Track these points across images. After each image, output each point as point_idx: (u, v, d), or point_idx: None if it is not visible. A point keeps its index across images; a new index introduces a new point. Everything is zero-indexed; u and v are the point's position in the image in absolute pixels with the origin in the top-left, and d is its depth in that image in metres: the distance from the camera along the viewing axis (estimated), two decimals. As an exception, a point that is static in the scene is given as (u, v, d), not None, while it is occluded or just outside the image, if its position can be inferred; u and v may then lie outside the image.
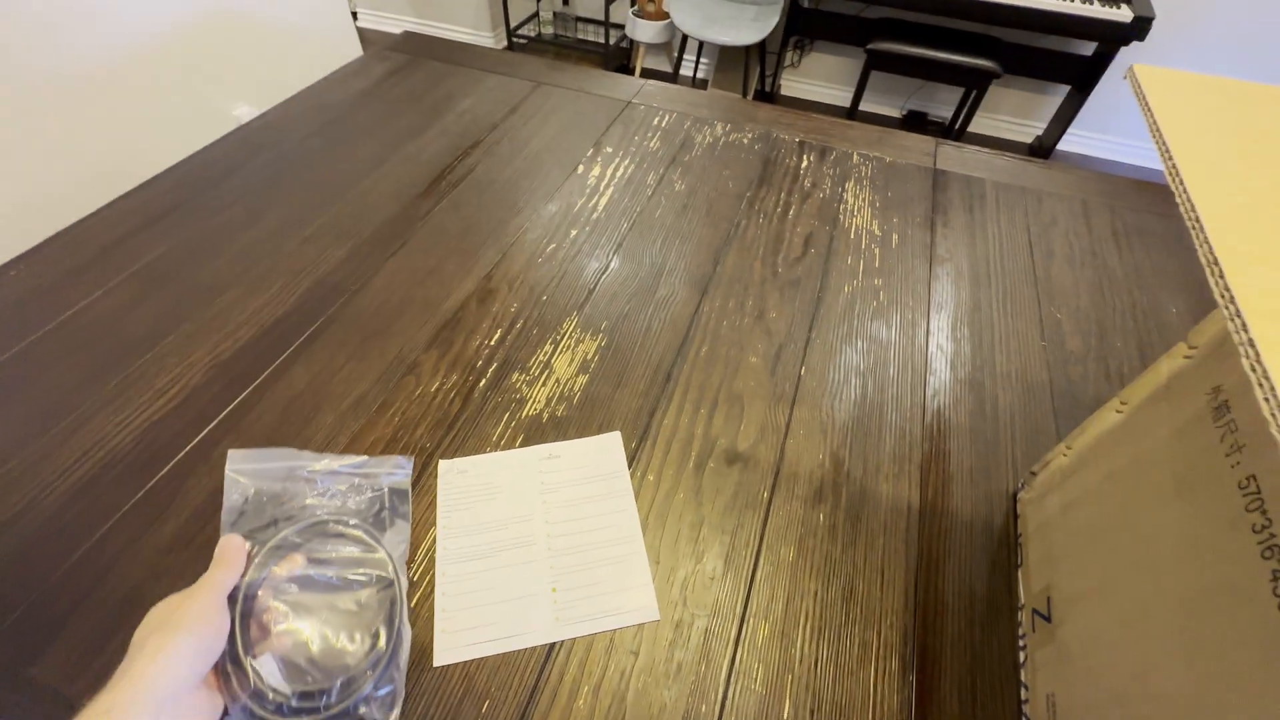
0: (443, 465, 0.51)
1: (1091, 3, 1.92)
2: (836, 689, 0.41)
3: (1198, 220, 0.19)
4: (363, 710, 0.35)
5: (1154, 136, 0.22)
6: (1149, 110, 0.23)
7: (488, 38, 2.88)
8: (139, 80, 1.41)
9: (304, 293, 0.65)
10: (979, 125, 2.56)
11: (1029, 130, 2.55)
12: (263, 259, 0.69)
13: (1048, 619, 0.40)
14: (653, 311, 0.65)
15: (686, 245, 0.74)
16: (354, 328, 0.62)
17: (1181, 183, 0.20)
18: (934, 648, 0.43)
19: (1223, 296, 0.16)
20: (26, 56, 1.20)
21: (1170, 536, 0.32)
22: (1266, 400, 0.14)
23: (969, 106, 2.31)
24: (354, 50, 1.96)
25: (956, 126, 2.41)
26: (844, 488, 0.52)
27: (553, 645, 0.42)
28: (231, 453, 0.46)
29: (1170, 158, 0.21)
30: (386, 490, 0.46)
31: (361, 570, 0.40)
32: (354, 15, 2.95)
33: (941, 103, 2.54)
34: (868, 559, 0.47)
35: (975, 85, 2.22)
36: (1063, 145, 2.45)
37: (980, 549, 0.49)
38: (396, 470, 0.48)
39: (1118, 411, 0.40)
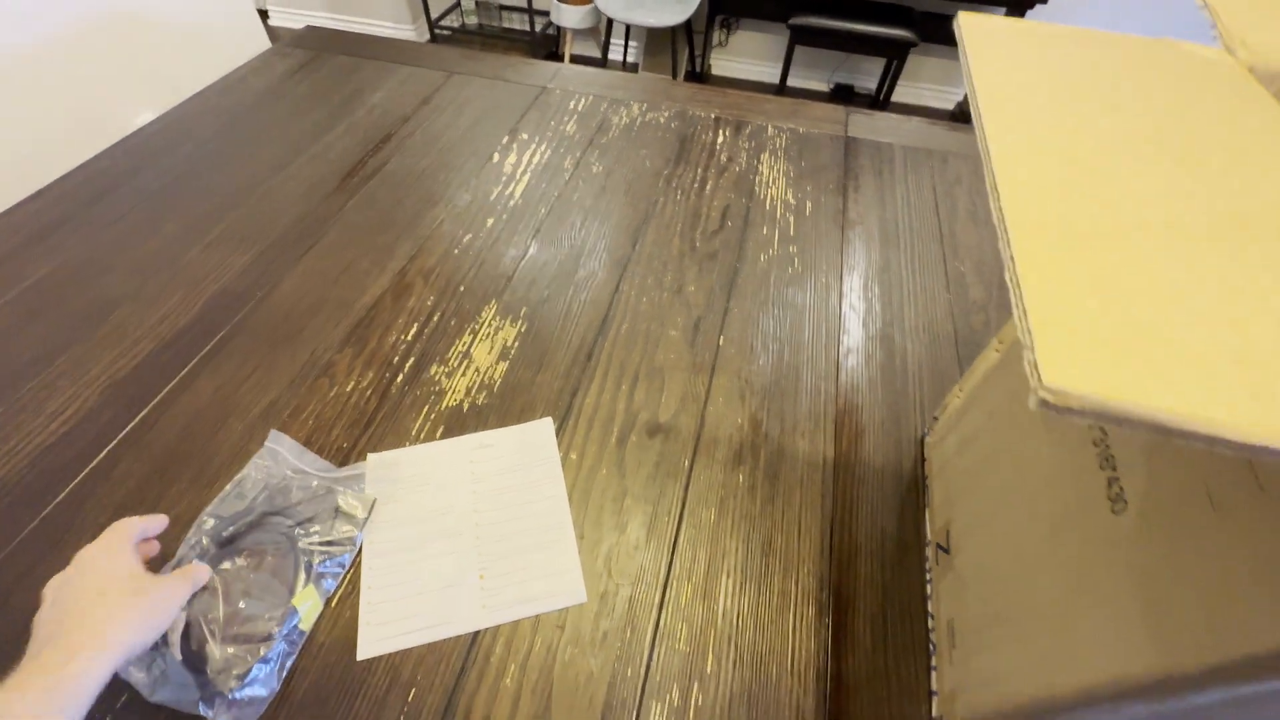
0: (372, 459, 0.50)
1: (996, -31, 1.99)
2: (757, 639, 0.43)
3: (988, 153, 0.20)
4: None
5: (965, 77, 0.23)
6: (964, 54, 0.24)
7: (409, 30, 2.79)
8: (34, 83, 1.31)
9: (206, 302, 0.62)
10: (903, 95, 2.63)
11: (950, 96, 2.64)
12: (161, 270, 0.66)
13: (947, 550, 0.43)
14: (572, 293, 0.65)
15: (605, 226, 0.74)
16: (262, 334, 0.60)
17: (980, 117, 0.22)
18: (848, 589, 0.45)
19: (1000, 222, 0.18)
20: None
21: (1039, 464, 0.34)
22: (1020, 320, 0.15)
23: (891, 77, 2.37)
24: (260, 46, 1.87)
25: (881, 97, 2.47)
26: (762, 448, 0.53)
27: (477, 631, 0.42)
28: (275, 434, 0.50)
29: (975, 96, 0.23)
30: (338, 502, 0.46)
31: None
32: (264, 14, 2.82)
33: (867, 74, 2.60)
34: (785, 513, 0.49)
35: (895, 55, 2.28)
36: (982, 109, 2.53)
37: (891, 494, 0.51)
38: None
39: (995, 351, 0.42)
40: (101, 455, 0.50)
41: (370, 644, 0.40)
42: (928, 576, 0.46)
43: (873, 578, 0.46)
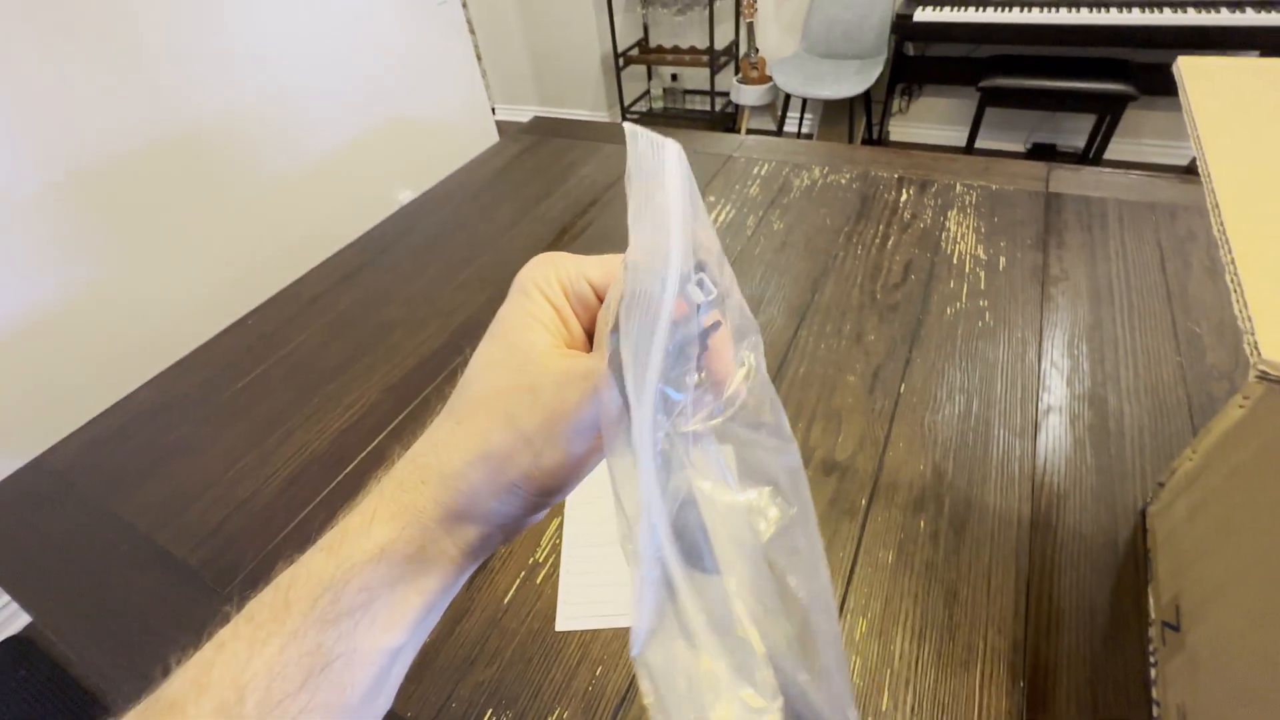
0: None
1: (1243, 10, 1.76)
2: (939, 688, 0.41)
3: (1214, 198, 0.21)
4: None
5: (1187, 120, 0.24)
6: (1185, 98, 0.25)
7: (604, 115, 3.18)
8: (334, 177, 1.75)
9: (455, 329, 0.77)
10: (1120, 152, 2.37)
11: (1183, 152, 2.32)
12: (423, 304, 0.83)
13: (1176, 628, 0.38)
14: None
15: (785, 278, 0.78)
16: (493, 356, 0.72)
17: (1205, 158, 0.22)
18: (1048, 658, 0.42)
19: (1232, 280, 0.19)
20: (266, 161, 1.54)
21: (1300, 526, 0.30)
22: (1240, 310, 0.16)
23: (1103, 133, 2.16)
24: (493, 139, 2.27)
25: (1091, 155, 2.25)
26: (946, 497, 0.52)
27: (658, 625, 0.46)
28: None
29: (1199, 141, 0.23)
30: None
31: None
32: (493, 110, 3.41)
33: (1072, 131, 2.40)
34: (972, 566, 0.47)
35: (1109, 111, 2.08)
36: (1227, 164, 2.18)
37: (1101, 564, 0.46)
38: None
39: (1240, 406, 0.38)
40: (378, 440, 0.64)
41: (567, 619, 0.46)
42: (1151, 659, 0.40)
43: (1078, 650, 0.42)
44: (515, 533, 0.21)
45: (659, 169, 0.17)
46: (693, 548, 0.17)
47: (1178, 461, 0.45)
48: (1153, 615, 0.42)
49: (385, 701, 0.19)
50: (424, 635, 0.20)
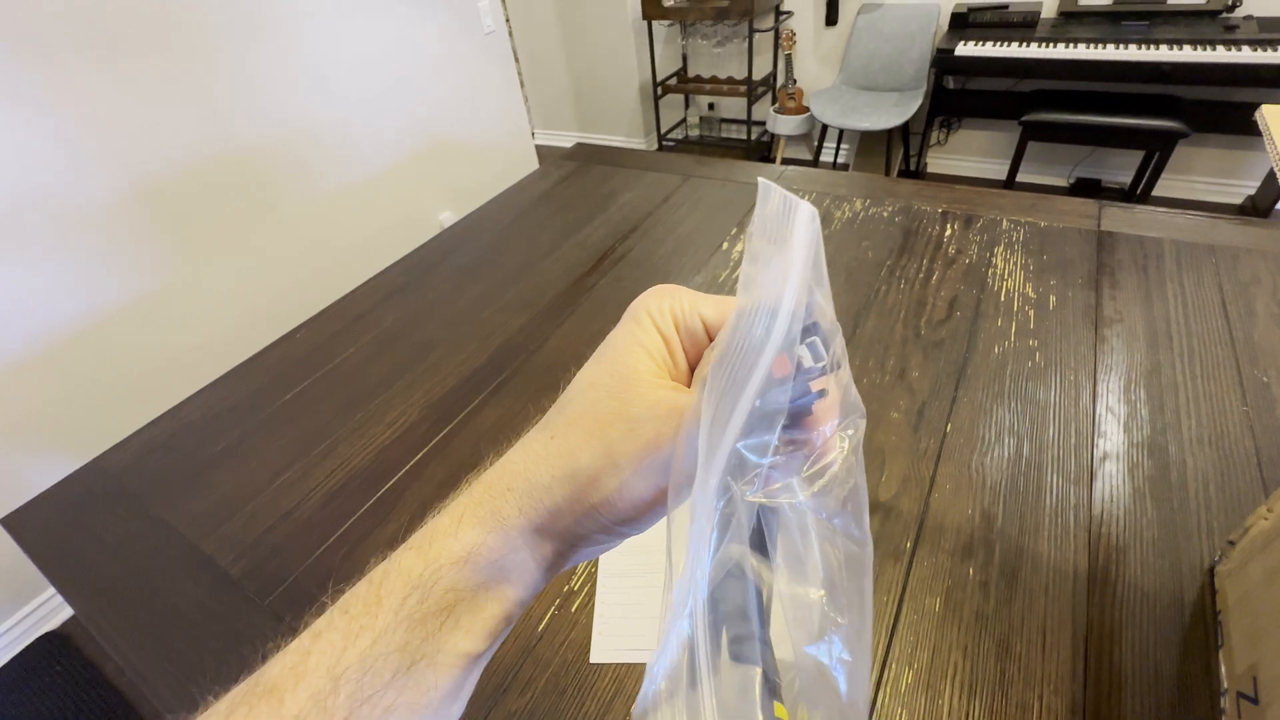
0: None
1: (1302, 49, 1.72)
2: (991, 748, 0.39)
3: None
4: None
5: (1275, 164, 0.23)
6: (1273, 144, 0.25)
7: (640, 142, 3.24)
8: (381, 196, 1.81)
9: (494, 351, 0.78)
10: (1169, 189, 2.30)
11: (1237, 190, 2.25)
12: (464, 324, 0.85)
13: (1254, 700, 0.35)
14: (792, 369, 0.69)
15: (825, 310, 0.77)
16: (532, 379, 0.73)
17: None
18: (1110, 724, 0.39)
19: None
20: (317, 180, 1.61)
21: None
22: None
23: (1152, 170, 2.11)
24: (532, 164, 2.32)
25: (1139, 192, 2.20)
26: (997, 544, 0.50)
27: (695, 663, 0.45)
28: None
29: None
30: None
31: None
32: (532, 134, 3.50)
33: (1118, 167, 2.35)
34: (1025, 620, 0.45)
35: (1158, 148, 2.04)
36: (1285, 204, 2.11)
37: (1168, 624, 0.44)
38: None
39: (1324, 466, 0.36)
40: (418, 457, 0.65)
41: (601, 651, 0.46)
42: (1225, 732, 0.38)
43: (1142, 716, 0.39)
44: (587, 558, 0.21)
45: (788, 227, 0.16)
46: (732, 615, 0.16)
47: (1251, 520, 0.43)
48: (1225, 684, 0.39)
49: (459, 708, 0.19)
50: (495, 647, 0.20)
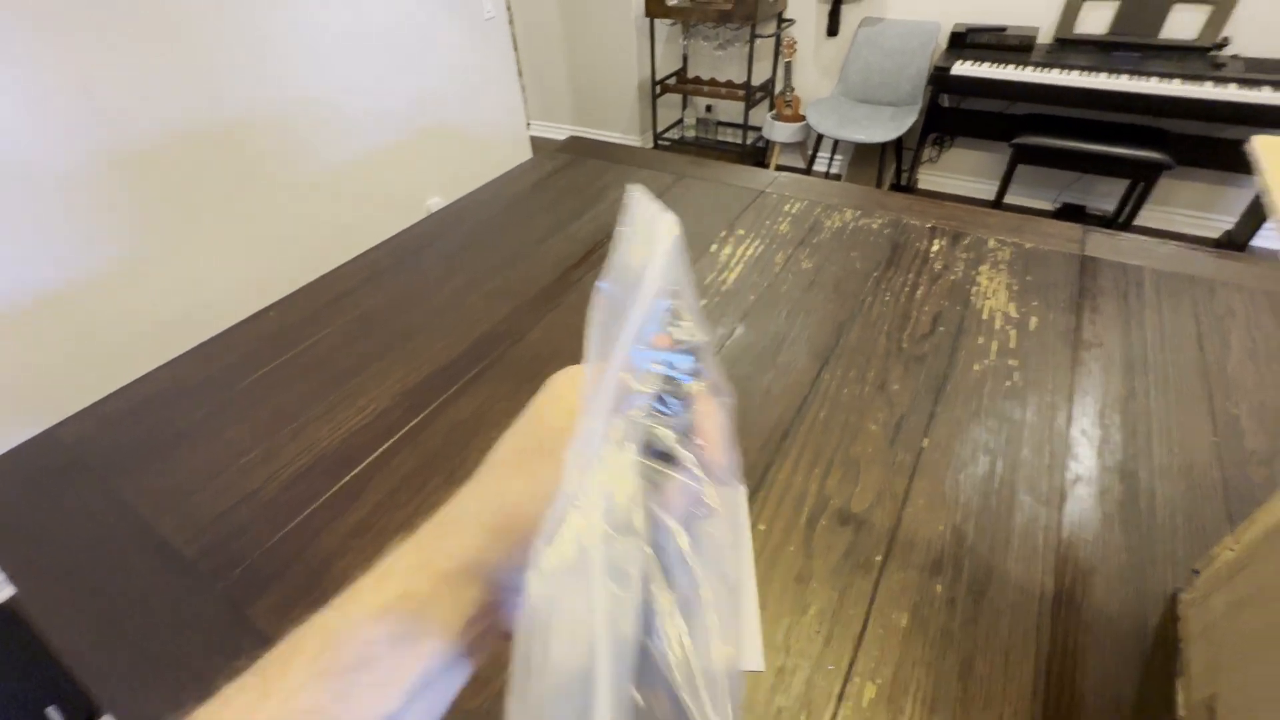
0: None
1: (1285, 91, 1.76)
2: (949, 767, 0.39)
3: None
4: None
5: (1263, 194, 0.23)
6: (1262, 174, 0.25)
7: (635, 140, 3.22)
8: (369, 177, 1.77)
9: (476, 339, 0.77)
10: (1150, 219, 2.35)
11: (1214, 224, 2.30)
12: (446, 310, 0.83)
13: (1210, 730, 0.36)
14: (773, 376, 0.69)
15: (810, 318, 0.77)
16: (512, 369, 0.72)
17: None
18: (1068, 746, 0.39)
19: None
20: (303, 159, 1.57)
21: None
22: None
23: (1135, 199, 2.15)
24: (526, 154, 2.30)
25: (1121, 220, 2.24)
26: (966, 562, 0.50)
27: (658, 668, 0.44)
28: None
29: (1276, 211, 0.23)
30: None
31: None
32: (527, 124, 3.47)
33: (1102, 195, 2.39)
34: (990, 639, 0.45)
35: (1142, 178, 2.08)
36: (1260, 241, 2.16)
37: (1129, 649, 0.44)
38: None
39: (1290, 500, 0.36)
40: (388, 444, 0.63)
41: (564, 653, 0.45)
42: (1179, 760, 0.38)
43: (1100, 741, 0.40)
44: (509, 627, 0.21)
45: (653, 233, 0.19)
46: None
47: (1216, 549, 0.43)
48: (1182, 712, 0.40)
49: None
50: (429, 711, 0.19)
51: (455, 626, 0.19)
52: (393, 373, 0.73)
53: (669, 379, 0.19)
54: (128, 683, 0.46)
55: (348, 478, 0.60)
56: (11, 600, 1.32)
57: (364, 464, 0.61)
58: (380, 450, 0.63)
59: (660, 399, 0.19)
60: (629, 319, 0.17)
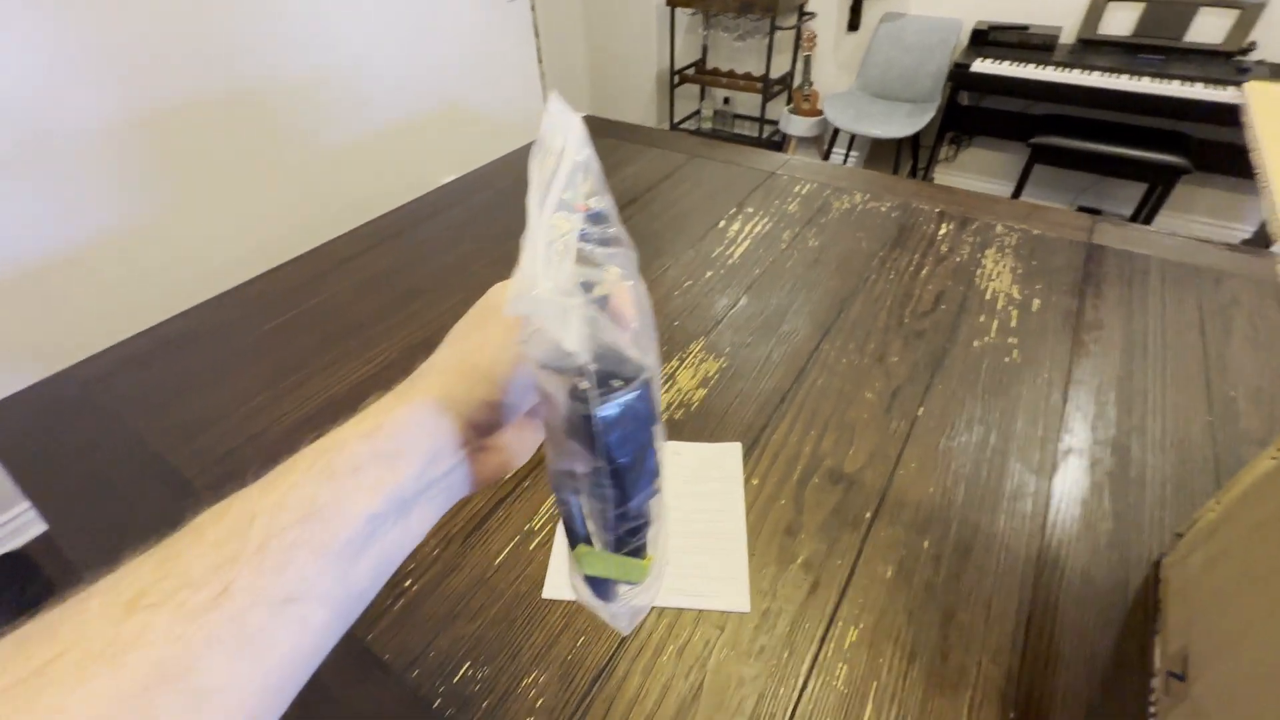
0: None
1: (1310, 97, 1.74)
2: (926, 705, 0.40)
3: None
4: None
5: (1250, 139, 0.24)
6: (1254, 125, 0.25)
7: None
8: (383, 152, 1.79)
9: (481, 301, 0.78)
10: (1166, 224, 2.33)
11: (1232, 233, 2.27)
12: (452, 276, 0.84)
13: (1182, 677, 0.36)
14: (774, 344, 0.70)
15: (813, 293, 0.78)
16: (515, 330, 0.73)
17: (1271, 186, 0.22)
18: (1042, 694, 0.40)
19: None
20: (321, 129, 1.59)
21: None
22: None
23: (1152, 204, 2.13)
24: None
25: (1137, 224, 2.22)
26: (954, 522, 0.51)
27: (645, 607, 0.45)
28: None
29: (1265, 166, 0.23)
30: None
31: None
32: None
33: (1118, 199, 2.37)
34: (973, 593, 0.46)
35: (1160, 182, 2.06)
36: None
37: (1107, 608, 0.45)
38: None
39: (1272, 459, 0.37)
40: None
41: (554, 587, 0.46)
42: (1151, 709, 0.39)
43: (1074, 690, 0.40)
44: (490, 459, 0.25)
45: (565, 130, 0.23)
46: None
47: (1199, 513, 0.44)
48: (1157, 665, 0.40)
49: (364, 576, 0.20)
50: (402, 537, 0.21)
51: (427, 455, 0.22)
52: (400, 330, 0.74)
53: (586, 236, 0.22)
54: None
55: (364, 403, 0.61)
56: (29, 545, 1.35)
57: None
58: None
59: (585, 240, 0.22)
60: (555, 180, 0.21)
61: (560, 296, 0.19)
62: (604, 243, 0.23)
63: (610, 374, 0.19)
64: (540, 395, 0.21)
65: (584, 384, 0.19)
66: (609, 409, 0.19)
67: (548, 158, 0.22)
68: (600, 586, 0.23)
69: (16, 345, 1.21)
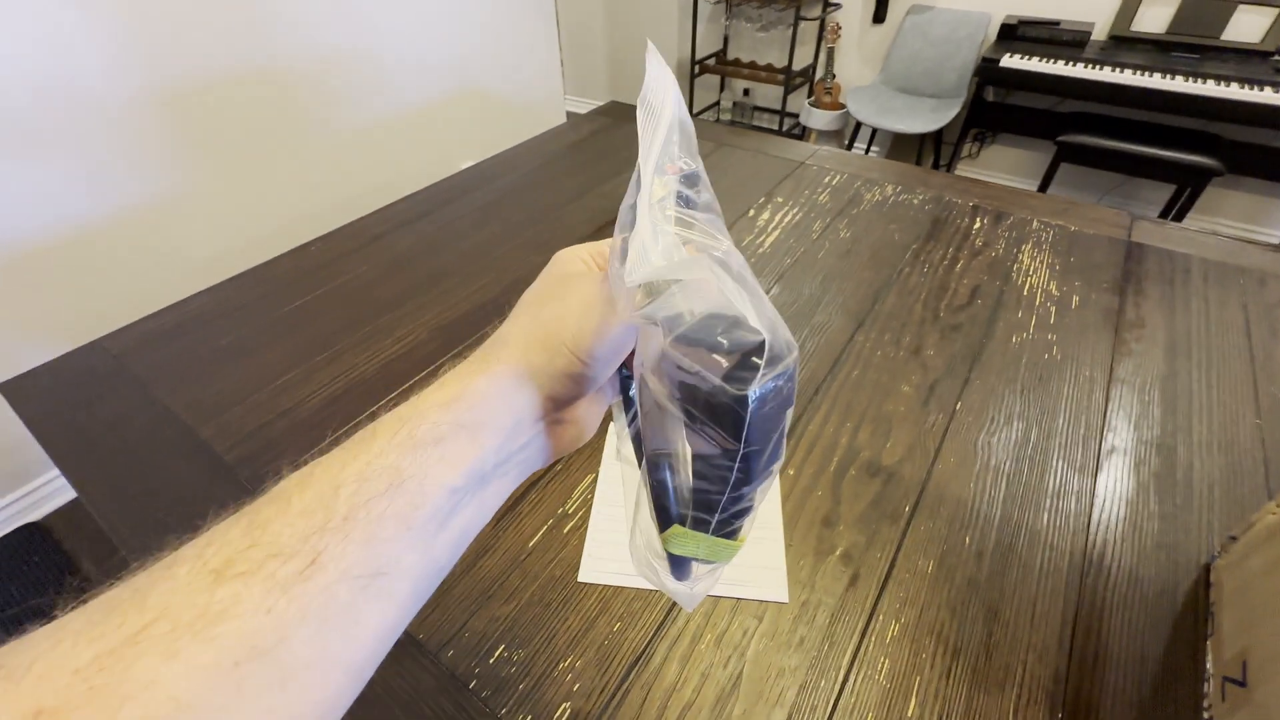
0: (612, 428, 0.57)
1: (1350, 100, 1.70)
2: (971, 703, 0.39)
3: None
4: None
5: None
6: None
7: (671, 121, 3.19)
8: (405, 134, 1.78)
9: (506, 286, 0.78)
10: (1194, 228, 2.29)
11: (1263, 238, 2.23)
12: (480, 257, 0.84)
13: (1242, 683, 0.35)
14: (807, 334, 0.69)
15: (846, 283, 0.77)
16: (544, 314, 0.72)
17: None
18: (1091, 695, 0.39)
19: None
20: (345, 110, 1.58)
21: None
22: None
23: (1180, 206, 2.10)
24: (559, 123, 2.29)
25: (1163, 227, 2.18)
26: (996, 518, 0.50)
27: (682, 594, 0.45)
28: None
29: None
30: None
31: None
32: (563, 96, 3.46)
33: (1145, 200, 2.33)
34: (1018, 591, 0.45)
35: (1190, 184, 2.02)
36: (1308, 257, 2.09)
37: (1159, 611, 0.44)
38: None
39: (1345, 459, 0.36)
40: (423, 374, 0.64)
41: (590, 571, 0.45)
42: (1206, 714, 0.38)
43: (1124, 692, 0.39)
44: (565, 432, 0.24)
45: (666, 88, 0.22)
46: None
47: (1256, 515, 0.43)
48: (1211, 669, 0.39)
49: (444, 545, 0.20)
50: (479, 511, 0.21)
51: (506, 428, 0.21)
52: (428, 310, 0.74)
53: (681, 199, 0.23)
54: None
55: (385, 400, 0.61)
56: (49, 517, 1.36)
57: (401, 389, 0.62)
58: (417, 378, 0.64)
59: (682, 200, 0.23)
60: (656, 142, 0.21)
61: (709, 268, 0.18)
62: (694, 205, 0.22)
63: (752, 350, 0.18)
64: (649, 371, 0.19)
65: (752, 361, 0.17)
66: (765, 390, 0.17)
67: (650, 117, 0.21)
68: (680, 566, 0.22)
69: (46, 317, 1.22)
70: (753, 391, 0.17)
